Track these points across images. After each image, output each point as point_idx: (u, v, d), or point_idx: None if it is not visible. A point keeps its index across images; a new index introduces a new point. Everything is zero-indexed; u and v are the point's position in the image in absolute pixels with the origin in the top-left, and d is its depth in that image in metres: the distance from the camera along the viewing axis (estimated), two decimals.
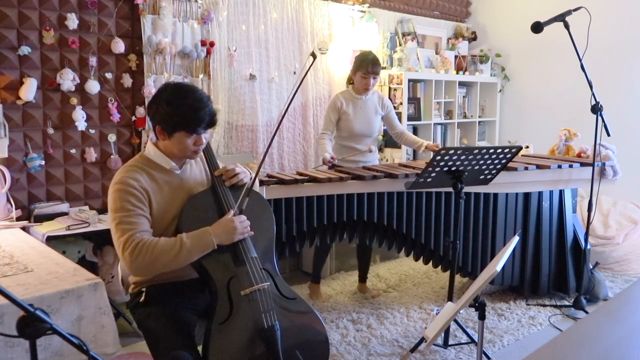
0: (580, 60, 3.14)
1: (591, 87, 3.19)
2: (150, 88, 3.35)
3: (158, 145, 1.98)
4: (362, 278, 3.80)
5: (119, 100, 3.34)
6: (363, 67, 3.36)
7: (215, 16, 3.62)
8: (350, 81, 3.57)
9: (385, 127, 3.83)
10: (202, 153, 2.03)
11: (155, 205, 1.89)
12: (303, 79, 2.17)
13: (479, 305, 2.08)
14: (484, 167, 2.68)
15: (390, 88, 4.62)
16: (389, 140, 4.59)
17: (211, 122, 1.92)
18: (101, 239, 3.15)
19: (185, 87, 1.93)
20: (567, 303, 3.49)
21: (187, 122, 1.86)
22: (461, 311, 2.28)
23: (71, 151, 3.22)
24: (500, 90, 5.52)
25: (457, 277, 3.56)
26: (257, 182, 2.11)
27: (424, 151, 3.72)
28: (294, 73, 4.10)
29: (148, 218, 1.86)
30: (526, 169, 3.31)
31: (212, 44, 3.60)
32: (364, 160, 3.54)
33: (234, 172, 2.01)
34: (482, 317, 2.09)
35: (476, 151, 2.55)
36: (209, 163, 2.05)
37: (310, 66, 2.19)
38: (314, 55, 2.15)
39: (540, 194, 3.48)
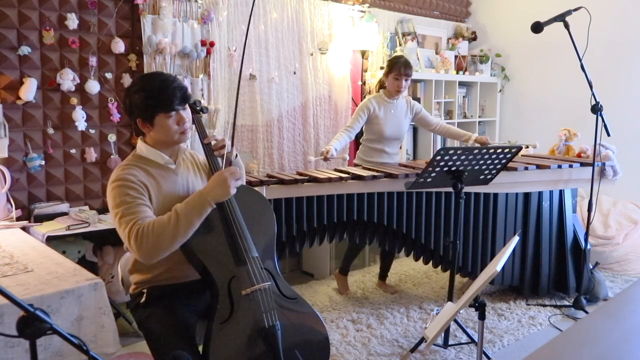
0: (580, 60, 3.14)
1: (591, 87, 3.19)
2: None
3: (146, 141, 1.97)
4: (383, 276, 3.87)
5: (119, 100, 3.34)
6: (395, 69, 3.49)
7: (215, 16, 3.62)
8: (381, 85, 3.66)
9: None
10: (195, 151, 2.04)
11: (154, 199, 1.89)
12: None
13: (479, 305, 2.08)
14: (484, 167, 2.68)
15: None
16: None
17: (185, 96, 1.90)
18: (101, 239, 3.15)
19: (150, 73, 1.99)
20: (567, 303, 3.49)
21: (161, 100, 1.85)
22: (461, 311, 2.28)
23: (71, 151, 3.22)
24: (500, 90, 5.52)
25: (457, 277, 3.56)
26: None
27: (473, 144, 3.66)
28: (294, 73, 4.10)
29: (149, 207, 1.85)
30: (526, 169, 3.31)
31: (212, 44, 3.60)
32: (389, 161, 3.67)
33: (223, 142, 2.02)
34: (482, 317, 2.09)
35: (476, 151, 2.55)
36: (199, 133, 2.06)
37: None
38: None
39: (540, 194, 3.48)
